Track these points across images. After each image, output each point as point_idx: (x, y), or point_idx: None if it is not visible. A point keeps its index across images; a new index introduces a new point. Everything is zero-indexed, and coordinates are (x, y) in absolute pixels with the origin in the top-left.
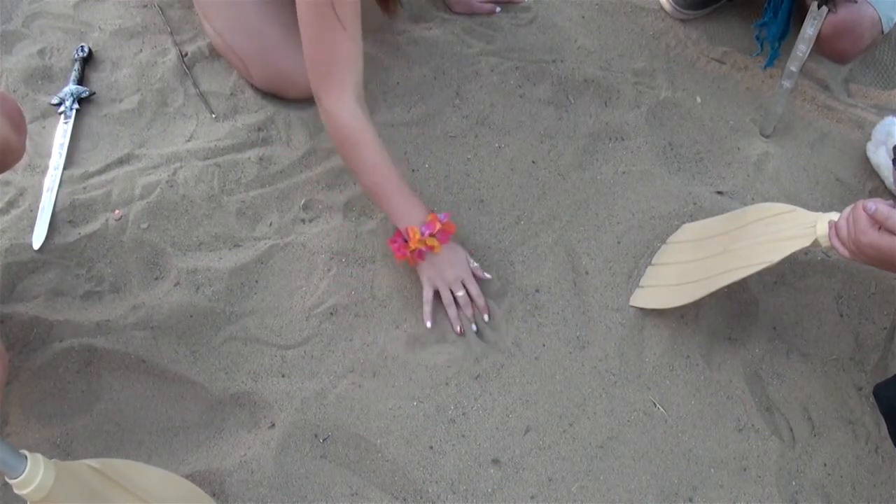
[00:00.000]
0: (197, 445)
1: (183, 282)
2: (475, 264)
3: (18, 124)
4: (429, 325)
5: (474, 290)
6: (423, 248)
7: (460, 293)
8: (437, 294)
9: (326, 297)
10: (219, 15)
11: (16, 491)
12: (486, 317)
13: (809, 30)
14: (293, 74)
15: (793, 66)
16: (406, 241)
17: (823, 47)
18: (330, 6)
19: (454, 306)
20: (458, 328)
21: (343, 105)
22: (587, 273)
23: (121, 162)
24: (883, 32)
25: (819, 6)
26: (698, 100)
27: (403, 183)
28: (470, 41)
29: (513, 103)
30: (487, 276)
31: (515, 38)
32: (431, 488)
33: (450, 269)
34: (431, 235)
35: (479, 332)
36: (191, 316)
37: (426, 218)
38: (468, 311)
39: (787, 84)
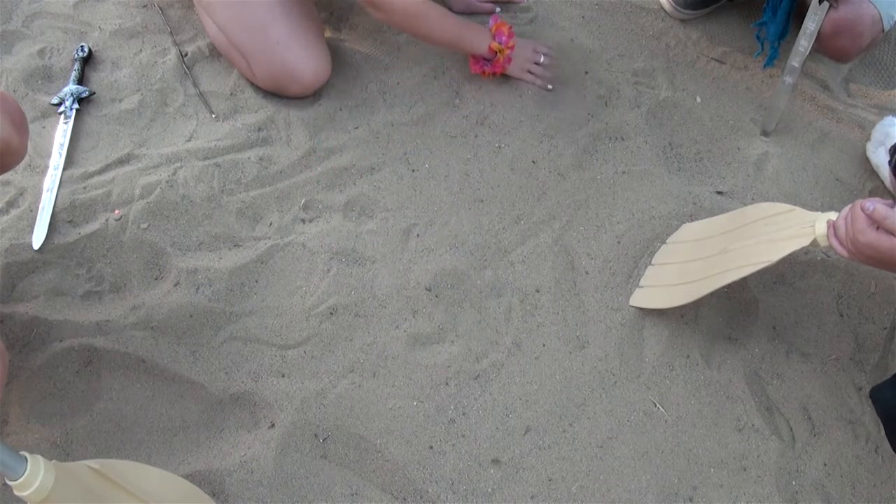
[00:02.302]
0: (197, 445)
1: (183, 282)
2: (540, 48)
3: (20, 125)
4: (550, 87)
5: (544, 48)
6: (508, 53)
7: (541, 58)
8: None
9: (326, 297)
10: (221, 10)
11: (16, 493)
12: (549, 86)
13: (811, 25)
14: (297, 69)
15: (794, 62)
16: (491, 59)
17: (824, 46)
18: None
19: (540, 70)
20: (550, 87)
21: None
22: (587, 273)
23: (121, 162)
24: (883, 31)
25: (820, 1)
26: (698, 100)
27: (464, 23)
28: None
29: (513, 103)
30: (545, 54)
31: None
32: (431, 488)
33: (526, 51)
34: (507, 39)
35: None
36: (191, 316)
37: (492, 31)
38: (550, 73)
39: (788, 80)
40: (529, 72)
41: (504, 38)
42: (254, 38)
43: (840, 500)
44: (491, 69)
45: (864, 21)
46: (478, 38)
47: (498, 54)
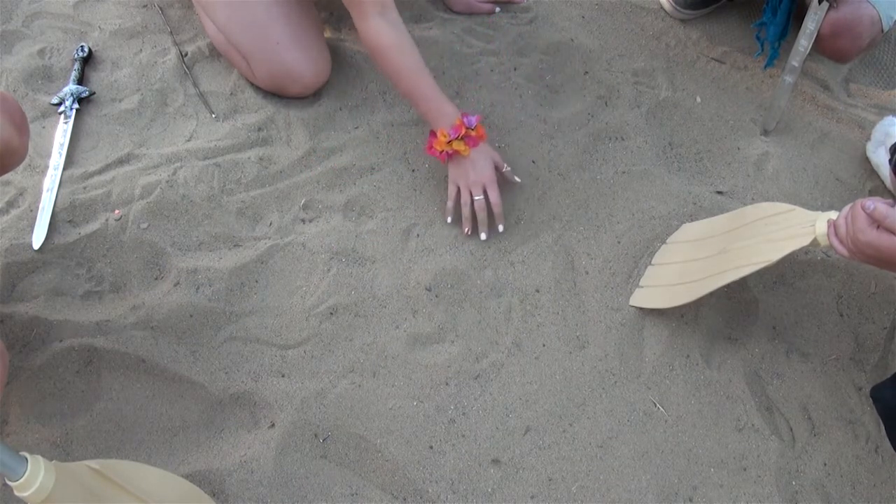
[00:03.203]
0: (197, 445)
1: (183, 282)
2: (508, 168)
3: (21, 125)
4: (448, 220)
5: (493, 196)
6: (450, 151)
7: (478, 197)
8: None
9: (326, 297)
10: (220, 10)
11: (16, 493)
12: (500, 227)
13: (811, 25)
14: (297, 69)
15: (794, 61)
16: (434, 141)
17: (823, 46)
18: None
19: (469, 206)
20: (467, 229)
21: (367, 22)
22: (587, 273)
23: (121, 162)
24: (883, 31)
25: (820, 1)
26: (698, 99)
27: (433, 86)
28: (470, 41)
29: (513, 103)
30: (517, 179)
31: (515, 38)
32: (431, 488)
33: (473, 173)
34: (458, 139)
35: (487, 238)
36: (191, 316)
37: (455, 121)
38: (481, 215)
39: (788, 79)
40: (458, 190)
41: (451, 134)
42: (253, 38)
43: (840, 500)
44: (430, 151)
45: (863, 22)
46: (434, 113)
47: (437, 142)
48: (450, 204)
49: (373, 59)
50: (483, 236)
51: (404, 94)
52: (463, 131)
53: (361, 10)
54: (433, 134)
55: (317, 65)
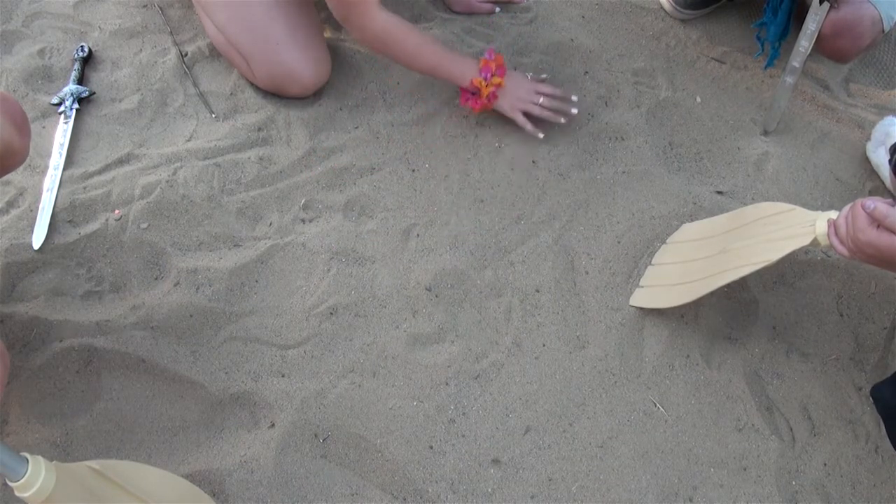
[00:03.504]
0: (197, 445)
1: (183, 282)
2: (531, 74)
3: (21, 126)
4: (541, 135)
5: (548, 89)
6: (493, 90)
7: (541, 99)
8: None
9: (326, 297)
10: (220, 10)
11: (17, 494)
12: (574, 97)
13: (811, 25)
14: (297, 70)
15: (795, 62)
16: (476, 94)
17: (824, 46)
18: None
19: (547, 111)
20: (562, 119)
21: (371, 18)
22: (587, 273)
23: (121, 162)
24: (883, 31)
25: (821, 2)
26: (698, 99)
27: (447, 51)
28: (470, 41)
29: (578, 98)
30: (545, 75)
31: (515, 38)
32: (431, 488)
33: (519, 90)
34: (493, 76)
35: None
36: (191, 316)
37: (479, 66)
38: (553, 108)
39: (789, 80)
40: (525, 111)
41: (488, 75)
42: (253, 38)
43: (840, 500)
44: (475, 104)
45: (864, 22)
46: (459, 69)
47: (481, 89)
48: (529, 127)
49: (385, 50)
50: (563, 120)
51: (427, 70)
52: (492, 66)
53: (365, 9)
54: (465, 92)
55: (317, 65)
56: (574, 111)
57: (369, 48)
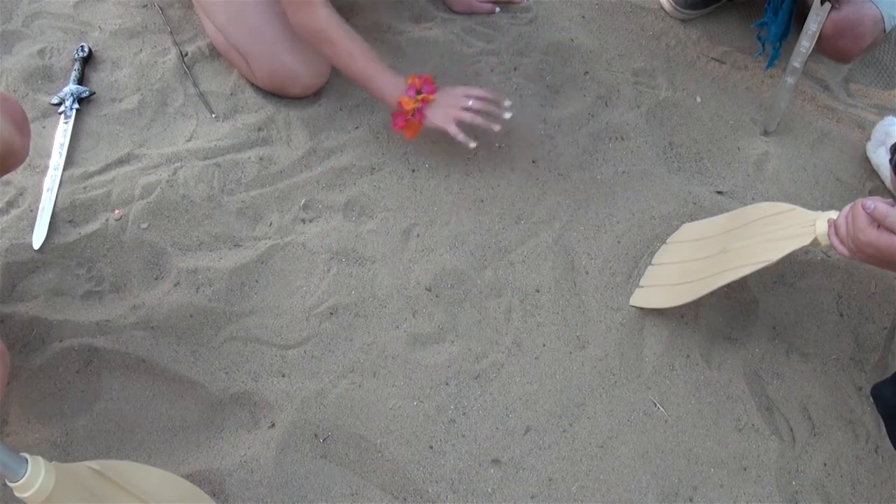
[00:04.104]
0: (197, 445)
1: (183, 282)
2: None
3: (22, 126)
4: (472, 145)
5: (478, 92)
6: (420, 105)
7: (470, 102)
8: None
9: (326, 297)
10: (219, 11)
11: (17, 494)
12: (507, 102)
13: (813, 25)
14: (296, 70)
15: (796, 62)
16: (404, 111)
17: (825, 46)
18: None
19: (478, 117)
20: (496, 127)
21: (311, 12)
22: (587, 273)
23: (121, 162)
24: (885, 31)
25: (822, 2)
26: (698, 99)
27: (381, 65)
28: (470, 41)
29: (513, 103)
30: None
31: (515, 38)
32: (431, 488)
33: (447, 99)
34: (418, 92)
35: (512, 116)
36: (191, 316)
37: (406, 83)
38: (485, 111)
39: (790, 80)
40: (456, 119)
41: (413, 92)
42: (252, 39)
43: (840, 500)
44: (401, 121)
45: (865, 21)
46: (388, 85)
47: (404, 106)
48: (461, 137)
49: (320, 49)
50: (497, 128)
51: (355, 77)
52: (418, 83)
53: (307, 4)
54: (397, 113)
55: (316, 66)
56: (507, 115)
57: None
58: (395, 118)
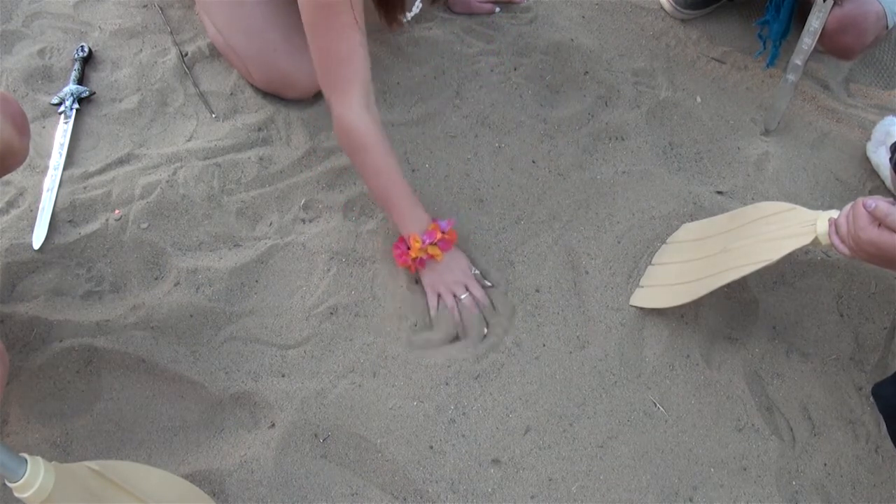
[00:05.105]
0: (197, 445)
1: (183, 282)
2: (477, 272)
3: (22, 126)
4: (439, 335)
5: (478, 292)
6: (424, 257)
7: (463, 296)
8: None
9: (326, 297)
10: (220, 12)
11: (16, 494)
12: (485, 330)
13: (815, 23)
14: (293, 76)
15: (797, 60)
16: (408, 248)
17: (828, 43)
18: (336, 11)
19: (457, 311)
20: (474, 334)
21: (350, 109)
22: (587, 273)
23: (121, 162)
24: (887, 28)
25: None
26: (698, 99)
27: (408, 189)
28: (470, 41)
29: (513, 103)
30: (489, 283)
31: (515, 38)
32: (431, 488)
33: (450, 274)
34: (433, 244)
35: (486, 335)
36: (191, 316)
37: (428, 226)
38: (474, 314)
39: (791, 78)
40: (440, 296)
41: (428, 239)
42: (251, 43)
43: (840, 500)
44: (402, 258)
45: (868, 17)
46: (407, 217)
47: (412, 248)
48: (433, 313)
49: (348, 151)
50: (485, 330)
51: (378, 195)
52: (438, 235)
53: (345, 95)
54: (402, 241)
55: (314, 73)
56: (484, 331)
57: (340, 144)
58: (398, 247)
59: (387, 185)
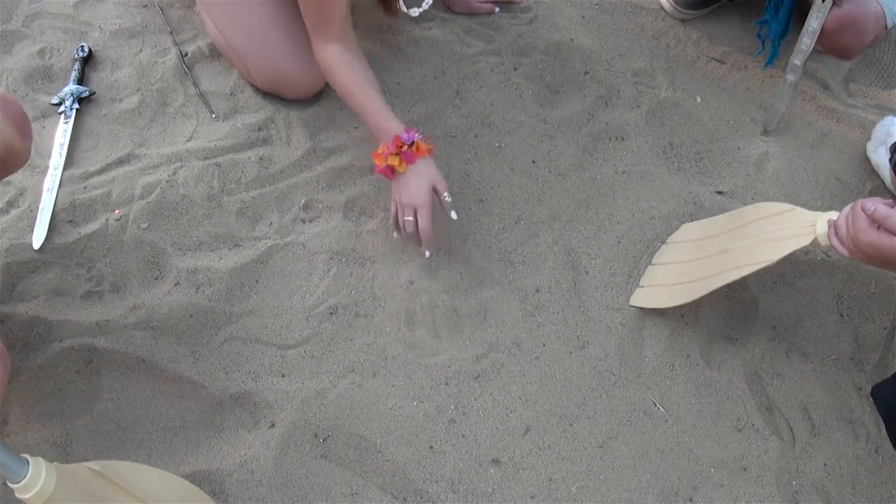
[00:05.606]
0: (197, 445)
1: (183, 282)
2: (447, 198)
3: (23, 127)
4: (395, 235)
5: (421, 220)
6: (389, 166)
7: (408, 218)
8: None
9: (326, 297)
10: (221, 12)
11: (18, 495)
12: (427, 253)
13: (814, 23)
14: (294, 76)
15: (797, 60)
16: (386, 154)
17: (827, 42)
18: None
19: (411, 226)
20: (426, 252)
21: (325, 46)
22: (587, 273)
23: (121, 162)
24: (887, 27)
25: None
26: (698, 99)
27: (380, 104)
28: (470, 41)
29: (513, 103)
30: (454, 216)
31: (515, 38)
32: (431, 488)
33: (406, 192)
34: (394, 154)
35: (428, 256)
36: (191, 316)
37: (402, 129)
38: (411, 239)
39: (790, 78)
40: (398, 210)
41: (392, 152)
42: (251, 43)
43: (840, 500)
44: (376, 169)
45: (867, 17)
46: (379, 129)
47: (379, 152)
48: (391, 221)
49: (328, 76)
50: (427, 254)
51: (354, 109)
52: (398, 146)
53: (320, 35)
54: (380, 154)
55: (314, 72)
56: (427, 254)
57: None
58: (375, 158)
59: (358, 102)
